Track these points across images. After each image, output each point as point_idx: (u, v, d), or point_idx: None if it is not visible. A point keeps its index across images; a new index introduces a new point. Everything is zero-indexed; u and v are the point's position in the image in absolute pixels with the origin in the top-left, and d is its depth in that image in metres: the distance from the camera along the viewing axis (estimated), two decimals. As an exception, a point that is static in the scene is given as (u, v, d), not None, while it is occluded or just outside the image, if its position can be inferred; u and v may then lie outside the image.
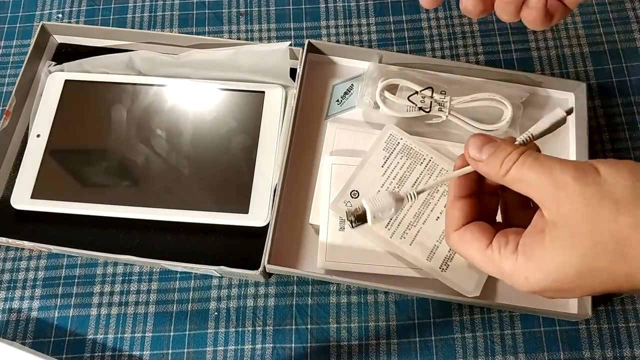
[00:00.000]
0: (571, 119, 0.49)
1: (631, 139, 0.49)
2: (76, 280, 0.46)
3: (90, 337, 0.44)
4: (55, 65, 0.51)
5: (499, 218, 0.33)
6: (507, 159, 0.28)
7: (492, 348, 0.43)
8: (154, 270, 0.46)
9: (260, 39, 0.54)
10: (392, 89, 0.47)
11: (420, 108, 0.46)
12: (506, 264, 0.28)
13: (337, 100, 0.49)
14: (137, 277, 0.46)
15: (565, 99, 0.49)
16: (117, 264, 0.46)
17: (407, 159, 0.44)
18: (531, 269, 0.27)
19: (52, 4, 0.56)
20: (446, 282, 0.41)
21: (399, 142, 0.45)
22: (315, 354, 0.43)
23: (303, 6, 0.55)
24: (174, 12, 0.56)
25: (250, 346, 0.43)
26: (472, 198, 0.31)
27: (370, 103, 0.47)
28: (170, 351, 0.43)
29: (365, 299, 0.44)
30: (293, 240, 0.45)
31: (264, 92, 0.49)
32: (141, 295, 0.45)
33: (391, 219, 0.42)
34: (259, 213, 0.44)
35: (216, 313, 0.44)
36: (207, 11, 0.56)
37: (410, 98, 0.46)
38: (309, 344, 0.43)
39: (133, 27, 0.55)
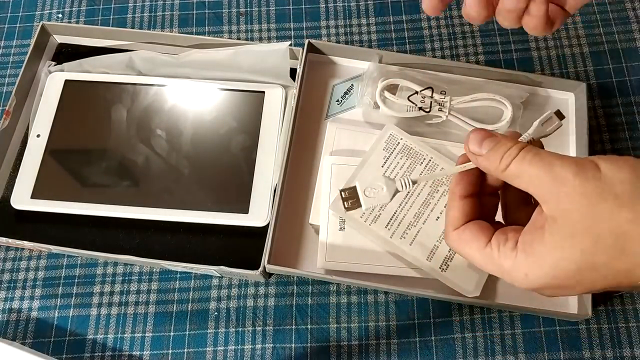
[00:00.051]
0: (571, 119, 0.49)
1: (631, 139, 0.49)
2: (76, 280, 0.46)
3: (90, 337, 0.44)
4: (55, 65, 0.51)
5: (498, 218, 0.34)
6: (507, 153, 0.28)
7: (492, 348, 0.43)
8: (154, 270, 0.46)
9: (260, 39, 0.54)
10: (392, 89, 0.47)
11: (420, 108, 0.46)
12: (506, 261, 0.28)
13: (337, 100, 0.49)
14: (137, 277, 0.46)
15: (565, 99, 0.49)
16: (117, 264, 0.46)
17: (407, 159, 0.44)
18: (531, 266, 0.27)
19: (52, 4, 0.56)
20: (446, 282, 0.41)
21: (399, 142, 0.45)
22: (315, 354, 0.43)
23: (303, 6, 0.55)
24: (174, 12, 0.56)
25: (250, 346, 0.43)
26: (472, 198, 0.31)
27: (370, 103, 0.47)
28: (170, 351, 0.43)
29: (365, 299, 0.44)
30: (293, 240, 0.45)
31: (264, 92, 0.49)
32: (141, 295, 0.45)
33: (391, 219, 0.42)
34: (259, 213, 0.44)
35: (216, 313, 0.44)
36: (207, 11, 0.56)
37: (410, 98, 0.46)
38: (309, 344, 0.43)
39: (133, 27, 0.55)
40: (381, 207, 0.42)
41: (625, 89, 0.51)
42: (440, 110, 0.46)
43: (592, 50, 0.53)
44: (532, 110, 0.48)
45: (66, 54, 0.52)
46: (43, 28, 0.51)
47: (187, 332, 0.44)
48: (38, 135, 0.48)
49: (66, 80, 0.50)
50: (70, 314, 0.45)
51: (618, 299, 0.44)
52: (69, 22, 0.55)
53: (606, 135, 0.49)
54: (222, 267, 0.42)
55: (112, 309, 0.45)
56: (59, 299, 0.45)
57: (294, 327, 0.44)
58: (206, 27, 0.55)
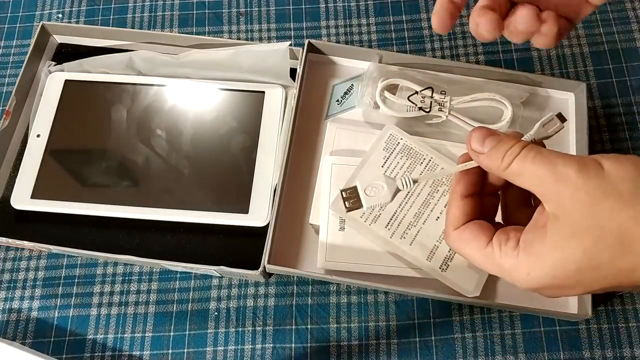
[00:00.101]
0: (571, 119, 0.49)
1: (631, 139, 0.49)
2: (76, 280, 0.46)
3: (90, 337, 0.44)
4: (55, 65, 0.51)
5: (498, 219, 0.34)
6: (509, 152, 0.28)
7: (492, 348, 0.43)
8: (154, 270, 0.46)
9: (260, 39, 0.54)
10: (392, 89, 0.47)
11: (420, 108, 0.46)
12: (507, 260, 0.28)
13: (337, 100, 0.49)
14: (137, 277, 0.46)
15: (565, 99, 0.49)
16: (117, 264, 0.46)
17: (407, 159, 0.44)
18: (532, 265, 0.27)
19: (52, 4, 0.56)
20: (446, 282, 0.41)
21: (399, 142, 0.45)
22: (315, 354, 0.43)
23: (303, 6, 0.55)
24: (174, 12, 0.56)
25: (250, 346, 0.43)
26: (473, 198, 0.31)
27: (370, 103, 0.47)
28: (170, 351, 0.43)
29: (365, 299, 0.44)
30: (293, 240, 0.45)
31: (264, 92, 0.49)
32: (141, 295, 0.45)
33: (391, 219, 0.42)
34: (259, 213, 0.44)
35: (216, 313, 0.44)
36: (207, 11, 0.56)
37: (410, 98, 0.46)
38: (309, 344, 0.43)
39: (133, 27, 0.55)
40: (381, 207, 0.42)
41: (625, 89, 0.51)
42: (440, 110, 0.46)
43: (592, 50, 0.53)
44: (532, 110, 0.48)
45: (66, 54, 0.52)
46: (43, 28, 0.51)
47: (187, 332, 0.44)
48: (38, 135, 0.48)
49: (66, 80, 0.50)
50: (70, 314, 0.45)
51: (618, 299, 0.44)
52: (69, 22, 0.55)
53: (606, 135, 0.49)
54: (222, 267, 0.42)
55: (112, 309, 0.45)
56: (59, 299, 0.45)
57: (294, 327, 0.44)
58: (206, 27, 0.55)
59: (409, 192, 0.43)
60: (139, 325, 0.44)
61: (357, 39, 0.54)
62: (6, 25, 0.56)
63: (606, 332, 0.43)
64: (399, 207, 0.42)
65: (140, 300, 0.45)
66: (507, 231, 0.29)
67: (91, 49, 0.52)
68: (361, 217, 0.42)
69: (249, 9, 0.56)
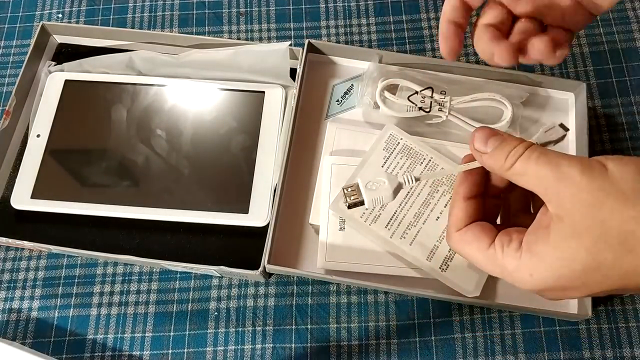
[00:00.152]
0: (571, 119, 0.49)
1: (631, 139, 0.49)
2: (76, 280, 0.46)
3: (90, 337, 0.44)
4: (55, 65, 0.51)
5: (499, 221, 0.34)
6: (512, 152, 0.28)
7: (492, 348, 0.43)
8: (154, 270, 0.46)
9: (260, 39, 0.54)
10: (392, 89, 0.47)
11: (420, 108, 0.46)
12: (509, 262, 0.28)
13: (337, 100, 0.49)
14: (137, 277, 0.46)
15: (565, 99, 0.49)
16: (117, 264, 0.46)
17: (407, 159, 0.44)
18: (536, 266, 0.27)
19: (52, 4, 0.56)
20: (446, 282, 0.41)
21: (399, 142, 0.45)
22: (315, 354, 0.43)
23: (303, 6, 0.55)
24: (174, 12, 0.56)
25: (250, 346, 0.43)
26: (475, 199, 0.31)
27: (370, 103, 0.47)
28: (170, 351, 0.43)
29: (365, 299, 0.44)
30: (293, 240, 0.45)
31: (264, 92, 0.49)
32: (141, 295, 0.45)
33: (391, 219, 0.42)
34: (259, 213, 0.44)
35: (216, 313, 0.44)
36: (207, 11, 0.56)
37: (410, 98, 0.46)
38: (309, 344, 0.43)
39: (133, 27, 0.55)
40: (381, 207, 0.42)
41: (625, 89, 0.51)
42: (440, 110, 0.46)
43: (592, 50, 0.53)
44: (532, 110, 0.48)
45: (66, 54, 0.52)
46: (43, 28, 0.51)
47: (187, 332, 0.44)
48: (38, 135, 0.48)
49: (66, 80, 0.50)
50: (70, 314, 0.45)
51: (618, 299, 0.44)
52: (69, 22, 0.55)
53: (606, 135, 0.49)
54: (222, 267, 0.42)
55: (112, 309, 0.45)
56: (59, 299, 0.45)
57: (294, 327, 0.44)
58: (206, 27, 0.55)
59: (409, 192, 0.43)
60: (139, 325, 0.44)
61: (357, 39, 0.54)
62: (6, 25, 0.56)
63: (606, 332, 0.43)
64: (399, 207, 0.42)
65: (140, 300, 0.45)
66: (510, 232, 0.29)
67: (91, 49, 0.52)
68: (361, 217, 0.42)
69: (249, 9, 0.56)
